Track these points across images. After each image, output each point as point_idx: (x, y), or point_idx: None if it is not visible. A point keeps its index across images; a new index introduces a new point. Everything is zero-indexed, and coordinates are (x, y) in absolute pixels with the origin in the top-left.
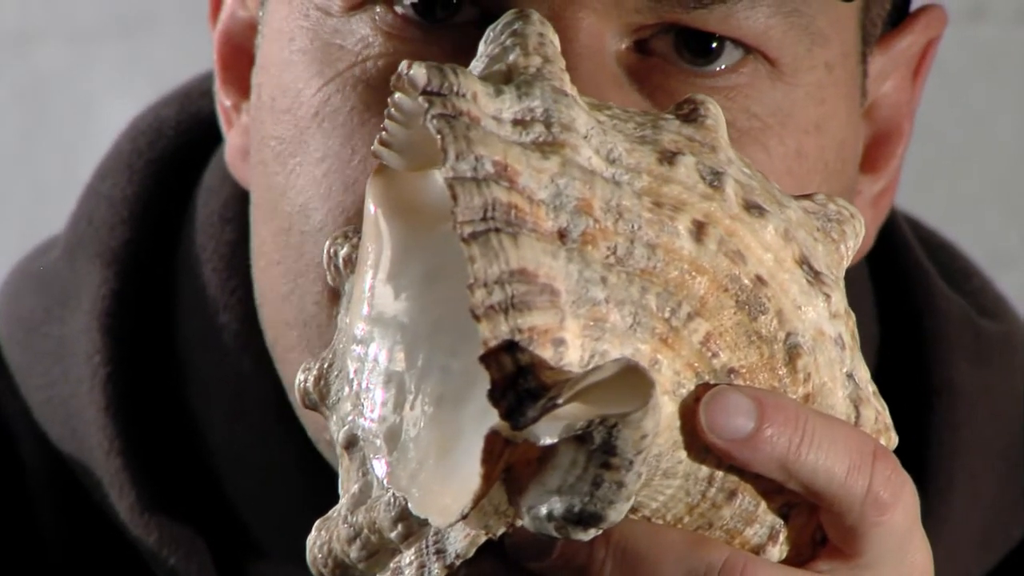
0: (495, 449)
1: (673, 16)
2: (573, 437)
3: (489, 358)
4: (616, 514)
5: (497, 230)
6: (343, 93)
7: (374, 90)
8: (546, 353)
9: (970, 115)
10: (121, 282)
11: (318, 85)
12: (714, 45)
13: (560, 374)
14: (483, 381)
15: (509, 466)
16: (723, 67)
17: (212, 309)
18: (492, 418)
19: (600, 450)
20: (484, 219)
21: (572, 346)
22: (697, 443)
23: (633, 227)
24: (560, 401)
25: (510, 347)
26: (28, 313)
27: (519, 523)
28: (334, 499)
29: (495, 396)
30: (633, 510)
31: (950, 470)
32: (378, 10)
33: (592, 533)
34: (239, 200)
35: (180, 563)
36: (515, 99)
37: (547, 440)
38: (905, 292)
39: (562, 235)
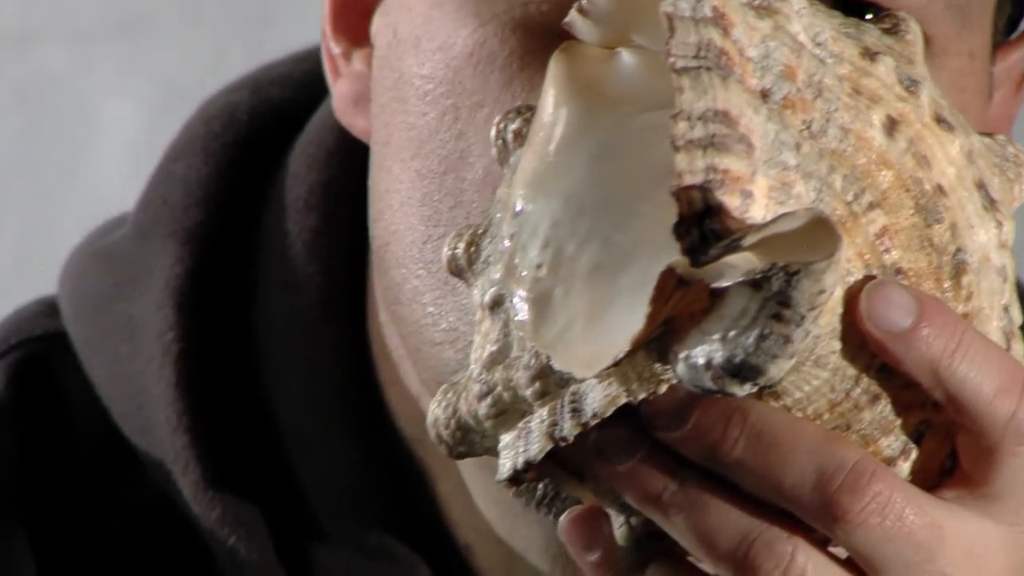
0: (666, 289)
1: None
2: (748, 283)
3: (680, 191)
4: (777, 370)
5: (708, 68)
6: (500, 37)
7: (534, 36)
8: (734, 201)
9: None
10: (196, 261)
11: (473, 26)
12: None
13: (743, 224)
14: (643, 258)
15: (670, 318)
16: None
17: (292, 293)
18: (647, 292)
19: (774, 299)
20: (697, 56)
21: (758, 203)
22: (853, 337)
23: (830, 107)
24: (745, 243)
25: (700, 187)
26: (95, 291)
27: (661, 390)
28: (401, 486)
29: (680, 230)
30: (775, 396)
31: None
32: None
33: (747, 389)
34: (324, 188)
35: (240, 542)
36: None
37: (721, 283)
38: None
39: (764, 95)
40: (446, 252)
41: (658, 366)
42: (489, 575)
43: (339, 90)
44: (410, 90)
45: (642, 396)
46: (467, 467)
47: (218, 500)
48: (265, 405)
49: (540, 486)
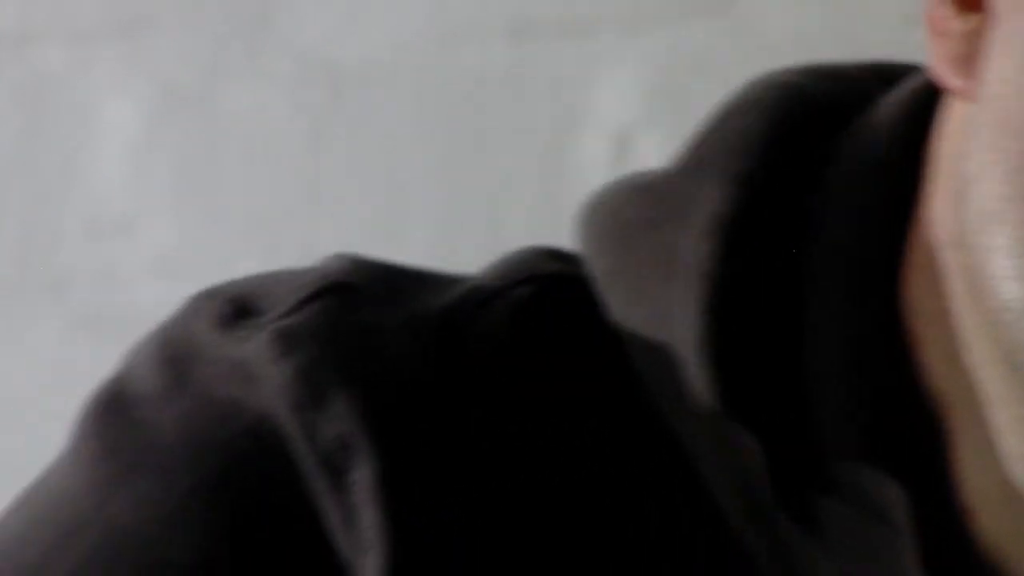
0: None
1: None
2: None
3: None
4: None
5: None
6: None
7: None
8: None
9: None
10: (744, 203)
11: None
12: None
13: None
14: None
15: None
16: None
17: (843, 255)
18: None
19: None
20: None
21: None
22: None
23: None
24: None
25: None
26: (632, 220)
27: None
28: (914, 444)
29: None
30: None
31: None
32: None
33: None
34: (885, 167)
35: (750, 468)
36: None
37: None
38: None
39: None
40: None
41: None
42: (987, 538)
43: (940, 49)
44: None
45: None
46: (1004, 420)
47: (727, 427)
48: (790, 346)
49: None
